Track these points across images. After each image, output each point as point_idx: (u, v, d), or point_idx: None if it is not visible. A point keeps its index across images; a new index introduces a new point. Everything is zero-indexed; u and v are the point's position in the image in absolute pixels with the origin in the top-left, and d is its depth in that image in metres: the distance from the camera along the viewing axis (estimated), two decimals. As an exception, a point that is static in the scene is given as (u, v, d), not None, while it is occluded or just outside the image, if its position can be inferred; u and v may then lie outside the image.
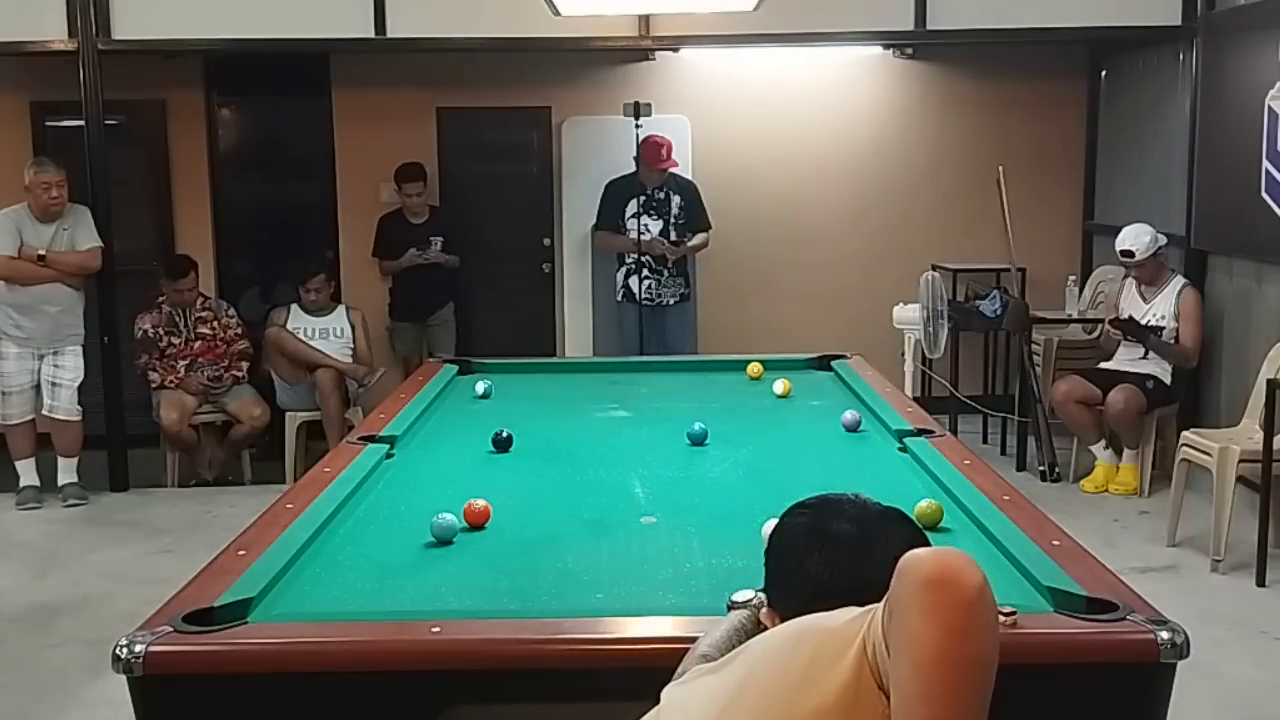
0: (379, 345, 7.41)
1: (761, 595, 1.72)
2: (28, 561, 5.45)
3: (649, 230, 6.68)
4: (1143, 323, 6.12)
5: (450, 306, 7.43)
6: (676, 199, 6.74)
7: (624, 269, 6.79)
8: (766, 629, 1.70)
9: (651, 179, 6.75)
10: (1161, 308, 6.11)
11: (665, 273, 6.76)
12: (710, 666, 1.52)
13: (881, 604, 1.29)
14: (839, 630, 1.34)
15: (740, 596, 1.81)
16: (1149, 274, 6.13)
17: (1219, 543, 5.04)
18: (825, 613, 1.42)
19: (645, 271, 6.71)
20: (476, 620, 2.14)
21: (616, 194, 6.80)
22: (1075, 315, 7.11)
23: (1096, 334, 6.68)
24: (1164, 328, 6.07)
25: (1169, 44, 6.71)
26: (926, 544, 1.50)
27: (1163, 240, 6.14)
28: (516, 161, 7.95)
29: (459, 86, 7.63)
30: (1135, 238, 6.09)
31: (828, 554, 1.56)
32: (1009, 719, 1.37)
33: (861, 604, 1.38)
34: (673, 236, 6.73)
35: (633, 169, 6.81)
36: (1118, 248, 6.14)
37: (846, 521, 1.58)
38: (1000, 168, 6.17)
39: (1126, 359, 6.19)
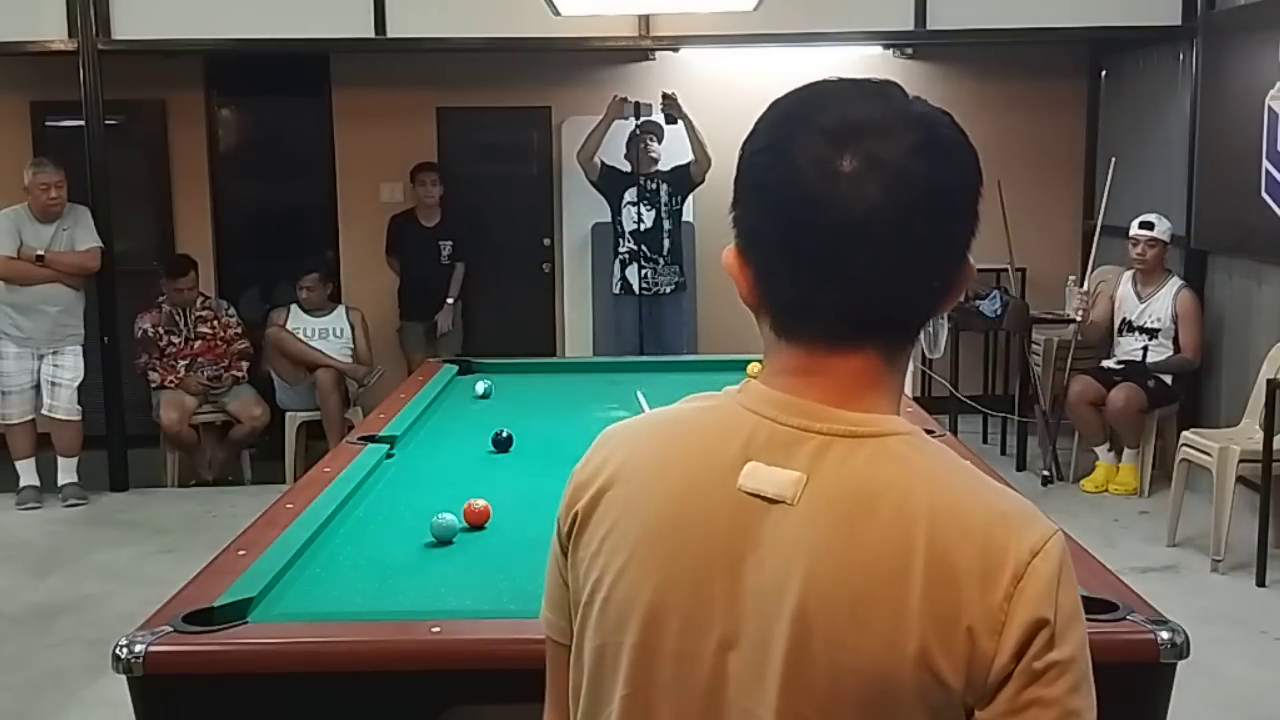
0: (388, 345, 7.41)
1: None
2: (28, 561, 5.45)
3: (644, 220, 6.71)
4: (1138, 324, 6.14)
5: (458, 306, 7.44)
6: (665, 187, 6.75)
7: (619, 259, 6.81)
8: None
9: (644, 165, 6.77)
10: (1158, 309, 6.12)
11: (661, 260, 6.77)
12: None
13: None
14: None
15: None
16: (1154, 261, 6.14)
17: (1219, 543, 5.04)
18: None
19: (641, 260, 6.73)
20: (476, 620, 2.14)
21: (618, 172, 6.79)
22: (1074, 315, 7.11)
23: (1078, 318, 6.59)
24: (1159, 329, 6.09)
25: (1169, 44, 6.71)
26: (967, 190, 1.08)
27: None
28: (516, 161, 7.95)
29: (459, 86, 7.63)
30: (1159, 218, 6.15)
31: (766, 166, 1.07)
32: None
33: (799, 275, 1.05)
34: (667, 227, 6.74)
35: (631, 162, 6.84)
36: (1137, 220, 6.17)
37: (828, 116, 1.04)
38: (999, 181, 6.19)
39: (1126, 353, 6.20)
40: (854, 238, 1.02)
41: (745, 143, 1.09)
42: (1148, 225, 6.13)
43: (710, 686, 1.06)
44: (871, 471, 1.03)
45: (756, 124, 1.08)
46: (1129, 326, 6.20)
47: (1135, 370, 6.10)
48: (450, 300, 7.31)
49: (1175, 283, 6.15)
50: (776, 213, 1.05)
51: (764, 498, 1.05)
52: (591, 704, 1.15)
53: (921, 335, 1.13)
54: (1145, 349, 6.12)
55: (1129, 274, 6.25)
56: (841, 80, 1.07)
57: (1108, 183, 6.31)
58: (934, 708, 0.99)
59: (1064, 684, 1.00)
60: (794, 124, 1.05)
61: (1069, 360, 6.50)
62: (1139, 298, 6.19)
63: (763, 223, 1.07)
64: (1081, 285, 6.39)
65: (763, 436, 1.07)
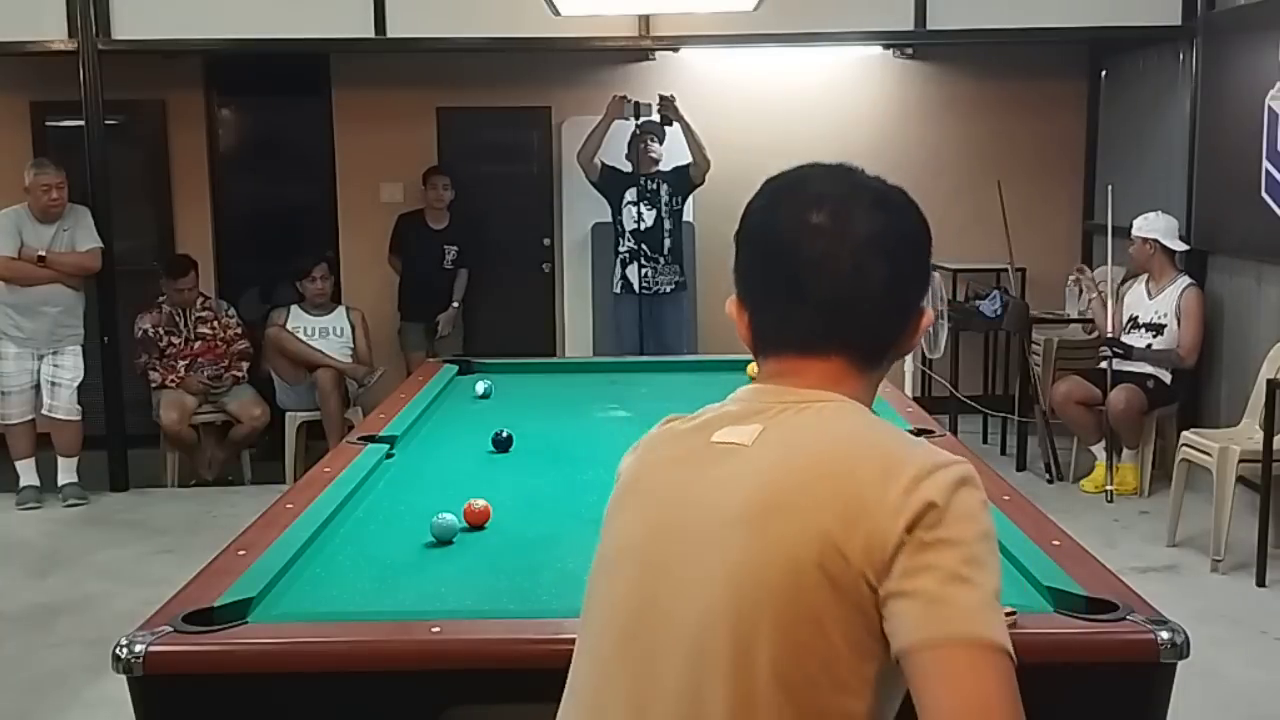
0: (389, 345, 7.41)
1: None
2: (28, 561, 5.45)
3: (645, 219, 6.72)
4: (1144, 320, 6.14)
5: (460, 309, 7.44)
6: (665, 187, 6.76)
7: (620, 259, 6.81)
8: None
9: (644, 165, 6.77)
10: (1164, 305, 6.11)
11: (661, 260, 6.78)
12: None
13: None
14: None
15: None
16: (1140, 260, 6.16)
17: (1219, 543, 5.04)
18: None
19: (642, 259, 6.73)
20: (476, 620, 2.14)
21: (618, 172, 6.81)
22: (1075, 315, 7.11)
23: (1084, 306, 6.65)
24: (1164, 325, 6.07)
25: (1169, 44, 6.71)
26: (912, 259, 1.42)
27: (1179, 246, 6.13)
28: (516, 161, 7.96)
29: (459, 86, 7.63)
30: (1143, 218, 6.16)
31: (761, 217, 1.41)
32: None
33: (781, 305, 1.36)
34: (667, 226, 6.75)
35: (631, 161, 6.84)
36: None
37: (806, 188, 1.41)
38: (999, 181, 6.20)
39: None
40: (818, 269, 1.34)
41: (745, 210, 1.41)
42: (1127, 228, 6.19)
43: (660, 573, 1.31)
44: (809, 422, 1.32)
45: (753, 196, 1.42)
46: (1136, 323, 6.19)
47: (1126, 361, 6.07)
48: (455, 304, 7.32)
49: (1183, 281, 6.13)
50: (761, 257, 1.38)
51: (729, 444, 1.34)
52: (584, 610, 1.42)
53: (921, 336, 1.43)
54: (1149, 346, 6.11)
55: (1145, 274, 6.27)
56: (819, 165, 1.44)
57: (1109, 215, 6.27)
58: (832, 576, 1.20)
59: (954, 555, 1.18)
60: (780, 193, 1.41)
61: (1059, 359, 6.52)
62: (1149, 295, 6.19)
63: (751, 267, 1.40)
64: (1106, 299, 6.33)
65: (739, 411, 1.38)
